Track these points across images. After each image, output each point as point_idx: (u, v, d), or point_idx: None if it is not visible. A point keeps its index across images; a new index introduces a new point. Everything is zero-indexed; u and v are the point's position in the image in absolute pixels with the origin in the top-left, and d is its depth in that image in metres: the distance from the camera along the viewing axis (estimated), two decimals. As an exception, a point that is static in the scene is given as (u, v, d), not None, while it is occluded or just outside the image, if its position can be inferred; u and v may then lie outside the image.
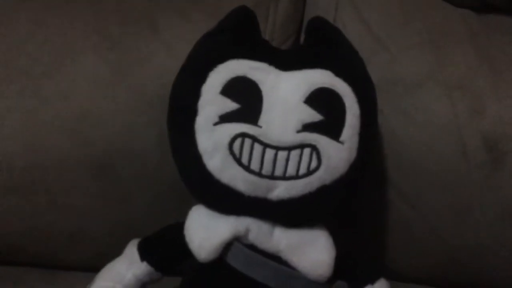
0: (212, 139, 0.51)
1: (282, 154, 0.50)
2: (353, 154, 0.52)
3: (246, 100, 0.51)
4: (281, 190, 0.51)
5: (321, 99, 0.51)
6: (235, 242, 0.52)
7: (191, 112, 0.52)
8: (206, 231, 0.52)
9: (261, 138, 0.50)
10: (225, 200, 0.52)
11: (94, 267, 0.57)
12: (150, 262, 0.55)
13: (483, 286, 0.67)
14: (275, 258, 0.52)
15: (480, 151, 0.62)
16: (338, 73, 0.53)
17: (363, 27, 0.67)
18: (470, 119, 0.63)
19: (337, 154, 0.51)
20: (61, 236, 0.63)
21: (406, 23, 0.67)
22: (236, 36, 0.55)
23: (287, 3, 0.70)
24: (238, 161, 0.50)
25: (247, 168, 0.50)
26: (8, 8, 0.62)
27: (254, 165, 0.50)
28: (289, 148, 0.50)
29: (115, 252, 0.57)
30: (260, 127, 0.50)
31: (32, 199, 0.61)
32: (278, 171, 0.50)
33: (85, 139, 0.60)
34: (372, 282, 0.55)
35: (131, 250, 0.56)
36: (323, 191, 0.51)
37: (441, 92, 0.63)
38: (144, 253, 0.55)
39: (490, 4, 0.67)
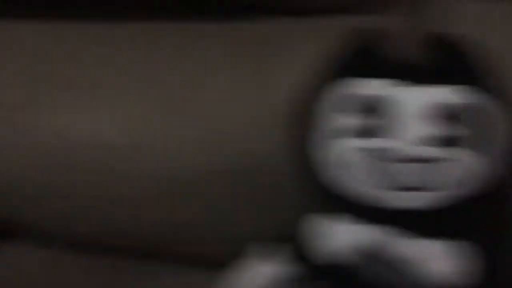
0: (334, 153, 0.53)
1: (407, 167, 0.52)
2: (491, 167, 0.52)
3: (376, 115, 0.53)
4: (415, 201, 0.52)
5: (448, 114, 0.52)
6: (367, 250, 0.54)
7: (329, 129, 0.55)
8: (340, 239, 0.55)
9: (386, 152, 0.52)
10: (360, 211, 0.54)
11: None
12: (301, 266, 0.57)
13: None
14: (404, 267, 0.53)
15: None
16: (474, 88, 0.54)
17: (487, 41, 0.67)
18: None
19: (474, 168, 0.52)
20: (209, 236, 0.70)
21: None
22: (364, 55, 0.57)
23: (403, 19, 0.70)
24: (361, 173, 0.53)
25: (383, 182, 0.52)
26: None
27: (377, 178, 0.52)
28: (415, 161, 0.52)
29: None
30: (390, 141, 0.52)
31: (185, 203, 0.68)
32: (410, 183, 0.52)
33: (215, 147, 0.65)
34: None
35: (280, 254, 0.59)
36: (458, 205, 0.52)
37: None
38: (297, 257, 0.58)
39: None
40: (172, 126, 0.67)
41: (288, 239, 0.59)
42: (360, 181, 0.53)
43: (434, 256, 0.53)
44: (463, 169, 0.52)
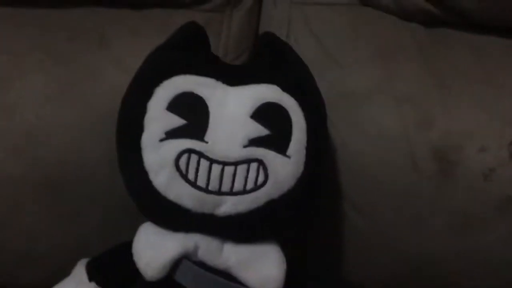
0: (158, 155, 0.50)
1: (228, 169, 0.50)
2: (300, 168, 0.52)
3: (192, 116, 0.51)
4: (228, 206, 0.51)
5: (267, 113, 0.51)
6: (184, 259, 0.52)
7: (138, 128, 0.51)
8: (153, 249, 0.52)
9: (208, 154, 0.50)
10: (173, 217, 0.52)
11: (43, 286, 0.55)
12: (98, 283, 0.54)
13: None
14: (225, 274, 0.52)
15: (430, 162, 0.63)
16: (285, 88, 0.53)
17: (315, 42, 0.68)
18: (419, 131, 0.63)
19: (284, 169, 0.51)
20: (10, 257, 0.62)
21: (356, 37, 0.68)
22: (184, 52, 0.55)
23: (241, 18, 0.71)
24: (185, 177, 0.50)
25: (193, 184, 0.50)
26: None
27: (201, 181, 0.50)
28: (235, 163, 0.50)
29: (66, 272, 0.56)
30: (207, 142, 0.50)
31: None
32: (225, 187, 0.50)
33: (32, 156, 0.59)
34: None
35: (80, 270, 0.55)
36: (271, 206, 0.51)
37: (390, 105, 0.64)
38: (93, 273, 0.54)
39: (438, 18, 0.68)
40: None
41: (106, 254, 0.56)
42: (184, 185, 0.51)
43: (255, 261, 0.52)
44: (275, 170, 0.51)
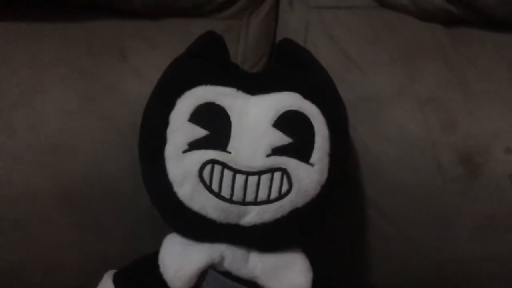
0: (181, 167, 0.50)
1: (252, 179, 0.50)
2: (324, 175, 0.52)
3: (215, 126, 0.51)
4: (253, 216, 0.51)
5: (289, 122, 0.51)
6: (210, 269, 0.51)
7: (161, 140, 0.51)
8: (180, 260, 0.52)
9: (231, 164, 0.50)
10: (198, 228, 0.52)
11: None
12: None
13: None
14: (251, 284, 0.52)
15: (455, 164, 0.62)
16: (306, 95, 0.53)
17: (334, 46, 0.68)
18: (443, 132, 0.63)
19: (308, 176, 0.51)
20: (35, 270, 0.62)
21: (376, 40, 0.67)
22: (204, 62, 0.55)
23: (258, 24, 0.71)
24: (209, 188, 0.50)
25: (217, 195, 0.50)
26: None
27: (225, 192, 0.50)
28: (259, 173, 0.50)
29: (92, 284, 0.56)
30: (230, 153, 0.50)
31: (2, 234, 0.60)
32: (249, 197, 0.50)
33: (56, 170, 0.59)
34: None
35: (107, 282, 0.55)
36: (295, 214, 0.51)
37: (412, 107, 0.64)
38: (120, 285, 0.54)
39: (459, 17, 0.68)
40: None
41: (132, 265, 0.56)
42: (209, 196, 0.50)
43: (282, 270, 0.52)
44: (299, 178, 0.51)
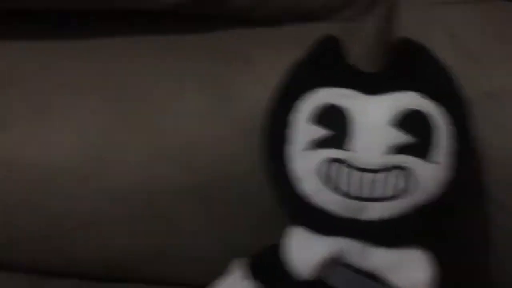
0: (304, 165, 0.54)
1: (370, 177, 0.52)
2: (445, 173, 0.52)
3: (334, 126, 0.53)
4: (371, 212, 0.53)
5: (408, 120, 0.52)
6: (333, 262, 0.54)
7: (283, 141, 0.55)
8: (305, 251, 0.55)
9: (350, 162, 0.52)
10: (320, 222, 0.55)
11: (203, 283, 0.62)
12: (261, 280, 0.58)
13: None
14: (372, 276, 0.54)
15: None
16: (425, 93, 0.54)
17: (454, 42, 0.67)
18: None
19: (428, 175, 0.52)
20: (175, 258, 0.69)
21: (497, 34, 0.66)
22: (322, 65, 0.57)
23: (375, 24, 0.71)
24: (329, 184, 0.53)
25: (337, 191, 0.53)
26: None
27: (344, 188, 0.53)
28: (377, 171, 0.52)
29: (220, 270, 0.61)
30: (349, 151, 0.52)
31: (145, 224, 0.67)
32: (367, 193, 0.52)
33: (189, 166, 0.65)
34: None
35: (240, 269, 0.59)
36: (415, 212, 0.52)
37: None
38: (256, 271, 0.58)
39: None
40: (137, 142, 0.66)
41: (263, 254, 0.60)
42: (329, 192, 0.53)
43: (402, 264, 0.54)
44: (418, 176, 0.52)
